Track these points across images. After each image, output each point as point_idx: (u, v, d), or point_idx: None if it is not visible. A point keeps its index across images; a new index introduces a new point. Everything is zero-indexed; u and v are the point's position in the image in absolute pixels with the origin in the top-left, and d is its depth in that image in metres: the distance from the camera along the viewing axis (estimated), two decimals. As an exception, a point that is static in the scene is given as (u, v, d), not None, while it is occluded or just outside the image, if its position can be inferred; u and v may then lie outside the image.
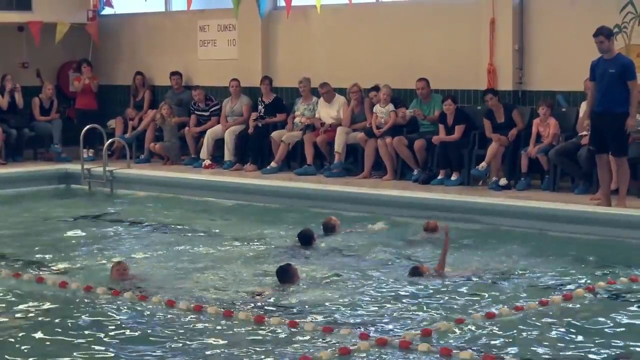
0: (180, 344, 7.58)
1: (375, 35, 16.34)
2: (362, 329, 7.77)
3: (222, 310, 8.32)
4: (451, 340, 7.52)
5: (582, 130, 13.32)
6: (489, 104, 14.39)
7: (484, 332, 7.78)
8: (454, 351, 7.17)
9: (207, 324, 8.10)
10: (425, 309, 8.48)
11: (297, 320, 7.99)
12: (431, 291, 9.07)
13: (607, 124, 12.17)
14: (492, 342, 7.53)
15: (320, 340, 7.57)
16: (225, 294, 9.06)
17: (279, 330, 7.84)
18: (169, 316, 8.33)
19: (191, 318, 8.26)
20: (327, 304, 8.66)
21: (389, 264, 10.27)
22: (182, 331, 7.92)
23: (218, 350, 7.45)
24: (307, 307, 8.57)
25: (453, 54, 15.37)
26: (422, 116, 15.10)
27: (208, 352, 7.39)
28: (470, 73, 15.14)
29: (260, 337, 7.72)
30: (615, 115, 12.10)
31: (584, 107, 13.44)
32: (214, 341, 7.67)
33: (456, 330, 7.78)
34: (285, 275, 9.32)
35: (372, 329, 7.84)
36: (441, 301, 8.73)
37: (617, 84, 12.06)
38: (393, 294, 9.00)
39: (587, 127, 12.77)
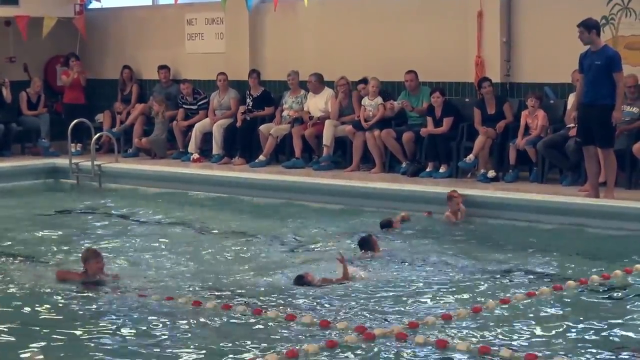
0: (175, 336, 7.60)
1: (363, 28, 16.32)
2: (361, 323, 7.77)
3: (221, 303, 8.35)
4: (438, 334, 7.53)
5: (569, 122, 13.33)
6: (484, 91, 14.36)
7: (471, 326, 7.77)
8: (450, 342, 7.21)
9: (203, 317, 8.10)
10: (414, 302, 8.51)
11: (295, 314, 8.00)
12: (420, 284, 9.10)
13: (594, 115, 12.18)
14: (482, 336, 7.53)
15: (317, 333, 7.56)
16: (214, 287, 9.06)
17: (276, 324, 7.84)
18: (165, 309, 8.32)
19: (187, 311, 8.27)
20: (330, 297, 8.69)
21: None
22: (178, 324, 7.93)
23: (215, 340, 7.48)
24: (310, 299, 8.61)
25: (441, 46, 15.36)
26: (410, 107, 15.09)
27: (203, 344, 7.41)
28: (458, 65, 15.15)
29: (256, 330, 7.72)
30: (602, 107, 12.10)
31: (571, 99, 13.46)
32: (210, 333, 7.68)
33: (442, 324, 7.77)
34: (367, 244, 10.13)
35: (371, 322, 7.83)
36: (426, 295, 8.75)
37: (603, 76, 12.06)
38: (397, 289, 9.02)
39: (574, 118, 12.79)
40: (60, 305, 8.57)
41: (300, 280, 9.05)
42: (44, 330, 7.82)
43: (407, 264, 9.92)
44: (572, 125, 13.15)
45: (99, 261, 9.26)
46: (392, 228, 11.53)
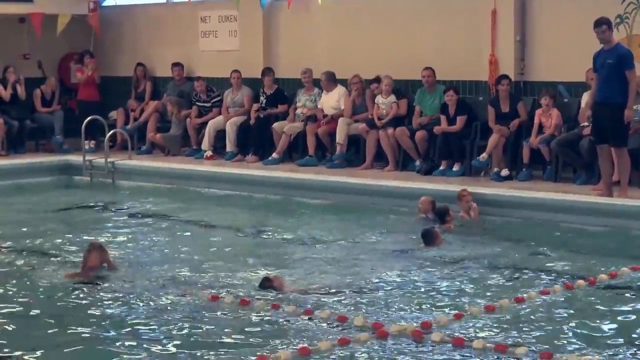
0: (190, 331, 7.63)
1: (376, 26, 16.31)
2: (376, 319, 7.79)
3: (239, 299, 8.37)
4: (454, 332, 7.53)
5: (583, 120, 13.31)
6: (502, 88, 14.32)
7: (483, 325, 7.76)
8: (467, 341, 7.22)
9: (220, 312, 8.14)
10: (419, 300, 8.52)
11: (313, 309, 8.02)
12: (436, 282, 9.10)
13: (607, 114, 12.16)
14: (494, 335, 7.53)
15: (335, 329, 7.59)
16: (229, 283, 9.08)
17: (294, 319, 7.87)
18: (179, 305, 8.36)
19: (203, 306, 8.31)
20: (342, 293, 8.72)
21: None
22: (193, 319, 7.96)
23: (231, 335, 7.51)
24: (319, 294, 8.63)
25: (455, 45, 15.33)
26: (429, 119, 15.07)
27: (218, 339, 7.44)
28: (471, 64, 15.12)
29: (273, 325, 7.75)
30: (615, 105, 12.08)
31: (585, 98, 13.43)
32: (227, 328, 7.70)
33: (456, 322, 7.77)
34: (429, 237, 10.45)
35: (386, 318, 7.85)
36: (440, 293, 8.76)
37: (615, 74, 12.04)
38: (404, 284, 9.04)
39: (589, 117, 12.76)
40: (72, 300, 8.61)
41: (265, 284, 8.73)
42: (54, 327, 7.88)
43: (422, 262, 9.94)
44: (586, 124, 13.13)
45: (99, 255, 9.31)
46: (446, 223, 11.48)
